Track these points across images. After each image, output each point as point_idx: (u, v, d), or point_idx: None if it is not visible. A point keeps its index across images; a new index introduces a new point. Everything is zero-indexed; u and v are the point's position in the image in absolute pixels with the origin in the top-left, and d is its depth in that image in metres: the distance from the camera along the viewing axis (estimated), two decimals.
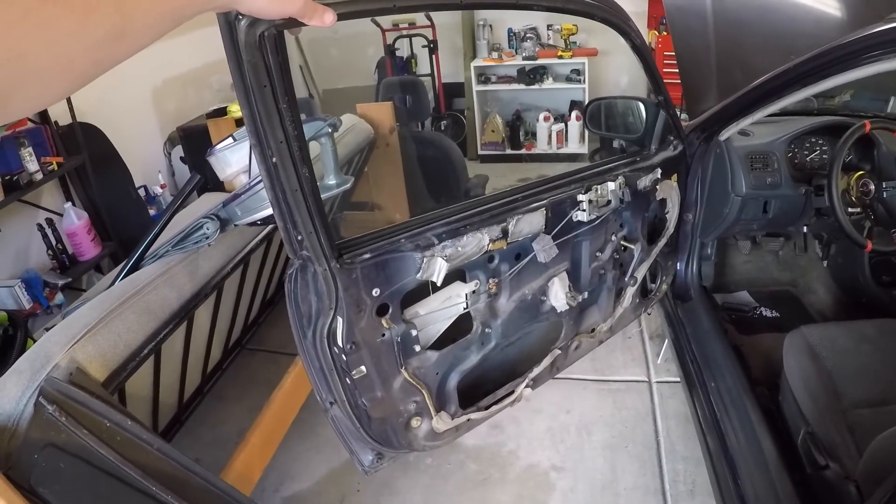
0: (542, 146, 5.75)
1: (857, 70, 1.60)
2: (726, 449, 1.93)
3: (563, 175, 1.71)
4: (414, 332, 1.41)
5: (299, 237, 1.16)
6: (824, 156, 2.44)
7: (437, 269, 1.32)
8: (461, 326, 1.55)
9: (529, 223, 1.54)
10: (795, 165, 2.40)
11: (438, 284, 1.35)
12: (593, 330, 2.03)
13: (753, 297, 2.83)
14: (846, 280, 2.86)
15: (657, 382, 2.83)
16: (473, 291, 1.50)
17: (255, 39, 0.93)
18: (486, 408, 1.72)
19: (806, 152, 2.44)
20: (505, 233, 1.48)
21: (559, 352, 1.89)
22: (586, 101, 5.09)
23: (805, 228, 2.62)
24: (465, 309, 1.51)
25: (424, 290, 1.41)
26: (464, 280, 1.49)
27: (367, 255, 1.25)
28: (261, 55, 0.95)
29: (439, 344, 1.52)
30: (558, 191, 1.65)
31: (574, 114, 5.59)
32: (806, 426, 1.84)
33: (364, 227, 1.34)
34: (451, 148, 3.47)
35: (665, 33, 5.15)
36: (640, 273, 2.09)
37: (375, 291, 1.29)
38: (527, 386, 1.79)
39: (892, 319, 2.13)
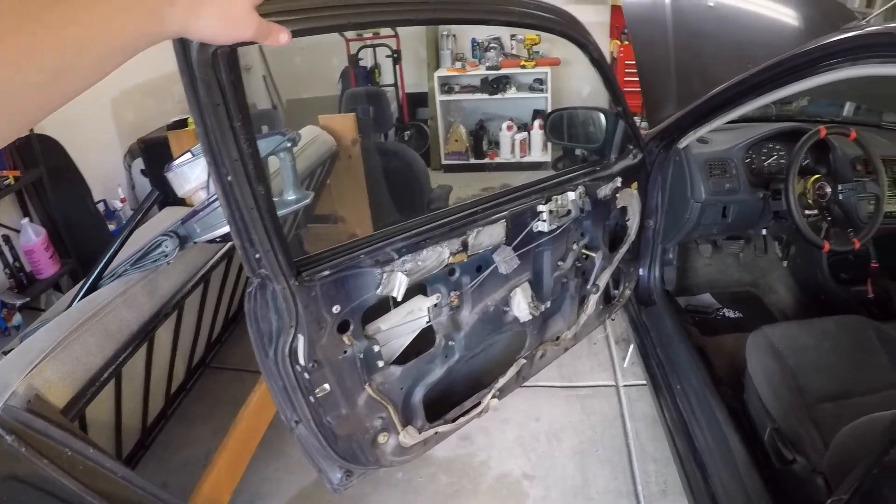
0: (505, 155, 5.82)
1: (814, 78, 1.64)
2: (695, 449, 1.97)
3: (524, 186, 1.73)
4: (376, 348, 1.41)
5: (257, 255, 1.15)
6: (781, 161, 2.51)
7: (397, 285, 1.32)
8: (424, 340, 1.55)
9: (490, 235, 1.56)
10: (753, 171, 2.46)
11: (399, 299, 1.36)
12: (558, 338, 2.05)
13: (716, 298, 2.89)
14: (806, 279, 2.93)
15: (624, 386, 2.86)
16: (435, 305, 1.51)
17: (207, 57, 0.92)
18: (454, 420, 1.73)
19: (763, 158, 2.50)
20: (465, 245, 1.49)
21: (524, 361, 1.90)
22: (549, 110, 5.16)
23: (764, 231, 2.68)
24: (427, 323, 1.52)
25: (386, 305, 1.42)
26: (425, 294, 1.50)
27: (326, 272, 1.25)
28: (214, 73, 0.95)
29: (403, 358, 1.53)
30: (518, 202, 1.66)
31: (537, 122, 5.66)
32: (771, 423, 1.89)
33: (328, 240, 1.34)
34: (414, 159, 3.48)
35: (627, 43, 5.24)
36: (603, 280, 2.12)
37: (336, 308, 1.28)
38: (493, 396, 1.80)
39: (850, 315, 2.20)
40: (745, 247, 3.04)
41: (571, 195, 1.80)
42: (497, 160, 5.85)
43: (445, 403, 1.74)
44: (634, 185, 2.16)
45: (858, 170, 2.44)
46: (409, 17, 1.21)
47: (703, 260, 3.00)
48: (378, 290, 1.32)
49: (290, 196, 1.73)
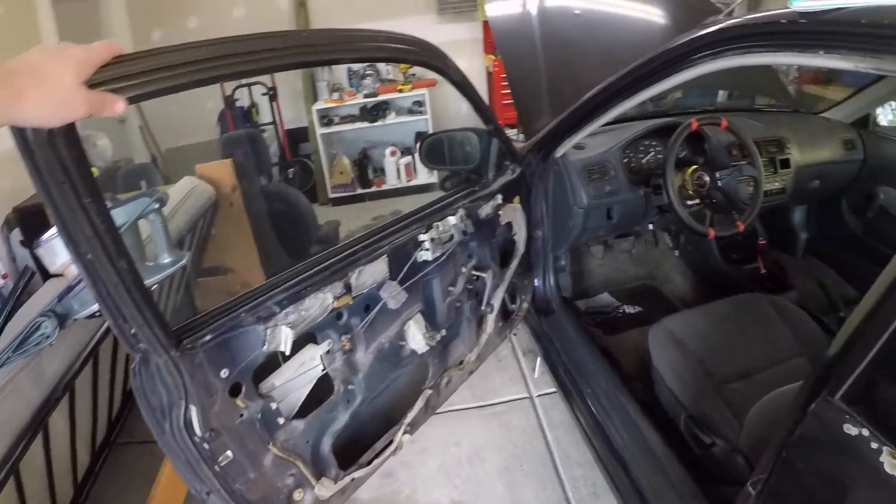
0: (391, 181, 5.89)
1: (680, 75, 1.70)
2: (614, 449, 2.04)
3: (402, 217, 1.77)
4: (274, 405, 1.41)
5: (132, 331, 1.13)
6: (659, 156, 2.63)
7: (283, 339, 1.32)
8: (324, 388, 1.56)
9: (373, 273, 1.59)
10: (632, 170, 2.57)
11: (287, 353, 1.36)
12: (461, 362, 2.10)
13: (614, 296, 3.03)
14: (698, 264, 3.11)
15: (538, 396, 2.95)
16: (328, 352, 1.53)
17: (44, 138, 0.90)
18: (368, 463, 1.74)
19: (641, 156, 2.62)
20: (348, 288, 1.51)
21: (431, 391, 1.94)
22: (430, 132, 5.25)
23: (651, 226, 2.82)
24: (323, 371, 1.53)
25: (277, 360, 1.41)
26: (316, 342, 1.52)
27: (208, 337, 1.24)
28: (53, 153, 0.93)
29: (304, 411, 1.53)
30: (398, 234, 1.70)
31: (420, 145, 5.73)
32: (685, 411, 1.99)
33: (220, 293, 1.32)
34: (298, 198, 3.48)
35: (500, 57, 5.43)
36: (497, 298, 2.18)
37: (224, 372, 1.28)
38: (404, 433, 1.82)
39: (746, 294, 2.35)
40: (636, 242, 3.19)
41: (452, 220, 1.85)
42: (384, 187, 5.91)
43: (357, 447, 1.75)
44: (516, 199, 2.23)
45: (734, 155, 2.59)
46: (250, 67, 1.21)
47: (596, 261, 3.13)
48: (265, 348, 1.33)
49: (165, 259, 1.70)
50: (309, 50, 1.34)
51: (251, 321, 1.30)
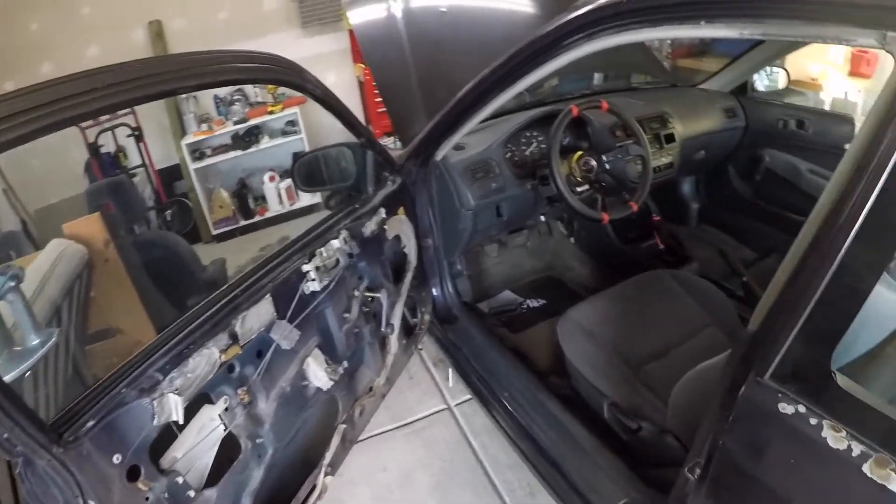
0: (274, 208, 5.74)
1: (554, 61, 1.70)
2: (542, 449, 2.04)
3: (281, 250, 1.72)
4: (180, 480, 1.34)
5: (4, 435, 1.04)
6: (542, 146, 2.66)
7: (173, 408, 1.26)
8: (231, 448, 1.49)
9: (258, 316, 1.54)
10: (516, 163, 2.58)
11: (180, 422, 1.29)
12: (371, 389, 2.07)
13: (516, 293, 3.07)
14: (595, 249, 3.19)
15: (457, 405, 2.95)
16: (226, 409, 1.47)
17: None
18: None
19: (523, 148, 2.63)
20: (234, 337, 1.46)
21: (345, 426, 1.90)
22: (307, 150, 5.14)
23: (543, 217, 2.85)
24: (225, 430, 1.46)
25: (173, 430, 1.34)
26: (211, 402, 1.45)
27: (90, 423, 1.16)
28: None
29: (215, 477, 1.46)
30: (280, 269, 1.65)
31: (293, 168, 5.62)
32: (606, 399, 2.01)
33: (114, 354, 1.23)
34: (177, 242, 3.33)
35: None
36: (397, 316, 2.17)
37: (117, 458, 1.19)
38: (326, 475, 1.78)
39: (648, 272, 2.41)
40: (530, 235, 3.25)
41: (335, 243, 1.83)
42: (268, 215, 5.75)
43: (281, 500, 1.69)
44: (401, 210, 2.23)
45: (618, 135, 2.65)
46: (72, 115, 1.12)
47: (492, 260, 3.17)
48: (155, 421, 1.26)
49: (33, 342, 1.58)
50: (144, 82, 1.25)
51: (134, 396, 1.22)
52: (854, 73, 4.33)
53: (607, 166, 2.45)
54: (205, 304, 1.44)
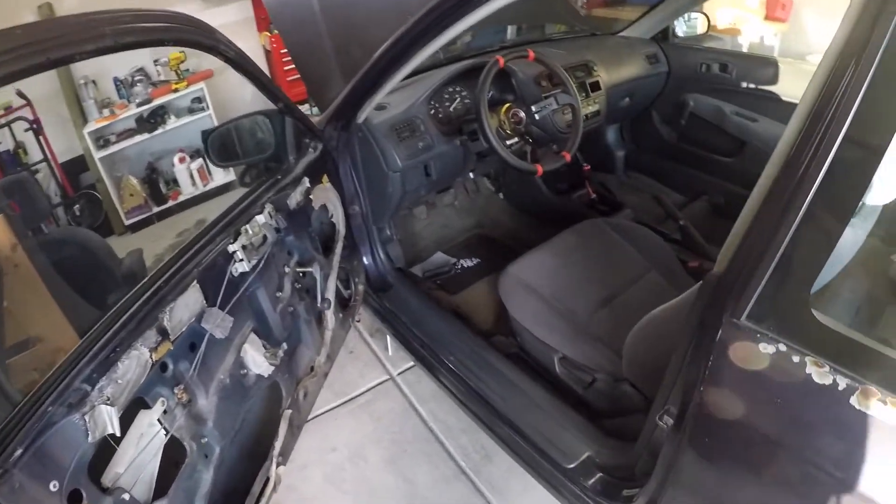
0: (187, 190, 5.43)
1: (475, 13, 1.66)
2: (496, 410, 2.00)
3: (203, 232, 1.60)
4: (126, 497, 1.21)
5: None
6: (466, 101, 2.58)
7: (107, 420, 1.13)
8: (176, 453, 1.38)
9: (186, 306, 1.41)
10: (441, 121, 2.50)
11: (117, 434, 1.17)
12: (312, 369, 1.99)
13: (448, 254, 3.01)
14: (527, 203, 3.17)
15: (399, 374, 2.89)
16: (164, 412, 1.34)
17: None
18: None
19: (447, 104, 2.55)
20: (164, 333, 1.33)
21: (290, 411, 1.81)
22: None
23: (471, 174, 2.79)
24: (167, 435, 1.34)
25: (111, 444, 1.21)
26: (147, 406, 1.31)
27: (18, 452, 1.02)
28: None
29: (163, 487, 1.34)
30: (204, 252, 1.53)
31: (205, 144, 5.36)
32: (556, 354, 2.00)
33: (35, 366, 1.09)
34: (88, 237, 3.09)
35: (277, 32, 5.16)
36: (331, 290, 2.09)
37: (54, 485, 1.06)
38: (278, 465, 1.69)
39: (584, 222, 2.40)
40: (457, 194, 3.18)
41: (261, 219, 1.72)
42: (181, 198, 5.45)
43: (234, 499, 1.59)
44: (325, 178, 2.12)
45: (544, 86, 2.59)
46: None
47: (421, 223, 3.10)
48: (90, 438, 1.12)
49: None
50: (30, 50, 1.07)
51: (62, 413, 1.08)
52: (769, 17, 4.45)
53: (536, 117, 2.40)
54: (127, 301, 1.30)
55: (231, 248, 1.59)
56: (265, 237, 1.71)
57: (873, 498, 0.96)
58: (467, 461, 2.45)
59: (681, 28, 3.31)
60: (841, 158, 0.95)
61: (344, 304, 2.32)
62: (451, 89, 2.57)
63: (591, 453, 1.76)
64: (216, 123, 5.19)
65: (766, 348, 1.02)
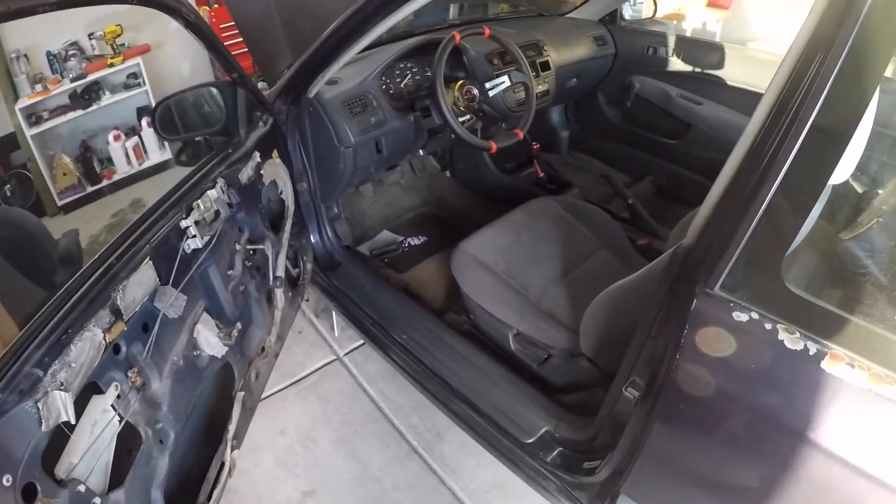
0: (123, 169, 5.14)
1: None
2: (451, 388, 1.98)
3: (155, 206, 1.51)
4: (82, 488, 1.12)
5: None
6: (416, 77, 2.54)
7: (61, 406, 1.05)
8: (131, 439, 1.30)
9: (140, 284, 1.33)
10: (393, 96, 2.44)
11: (72, 421, 1.08)
12: (263, 349, 1.92)
13: (395, 232, 2.95)
14: (474, 181, 3.13)
15: (346, 354, 2.83)
16: (118, 397, 1.25)
17: None
18: (209, 498, 1.52)
19: (398, 80, 2.50)
20: (117, 312, 1.25)
21: (243, 393, 1.74)
22: (153, 104, 4.67)
23: (422, 151, 2.75)
24: (121, 421, 1.26)
25: (64, 433, 1.13)
26: (101, 391, 1.23)
27: None
28: None
29: (119, 476, 1.26)
30: (156, 228, 1.44)
31: (144, 121, 5.10)
32: (511, 330, 1.98)
33: None
34: (23, 218, 2.90)
35: (216, 6, 5.02)
36: (281, 268, 2.01)
37: (7, 480, 0.97)
38: (232, 449, 1.62)
39: (534, 200, 2.38)
40: (404, 172, 3.13)
41: (213, 193, 1.64)
42: (116, 178, 5.17)
43: (190, 485, 1.53)
44: (275, 153, 2.04)
45: (495, 63, 2.58)
46: None
47: (367, 201, 3.03)
48: (44, 427, 1.04)
49: None
50: None
51: (14, 401, 0.99)
52: (712, 4, 4.54)
53: (490, 94, 2.38)
54: (78, 279, 1.21)
55: (184, 223, 1.51)
56: (217, 212, 1.63)
57: (845, 458, 1.00)
58: (419, 440, 2.42)
59: (627, 12, 3.33)
60: (812, 137, 0.99)
61: (292, 283, 2.25)
62: (402, 65, 2.52)
63: (550, 428, 1.75)
64: (153, 100, 4.98)
65: (740, 317, 1.05)
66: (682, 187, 3.02)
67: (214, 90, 1.89)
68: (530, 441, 1.76)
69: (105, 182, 5.08)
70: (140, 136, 5.08)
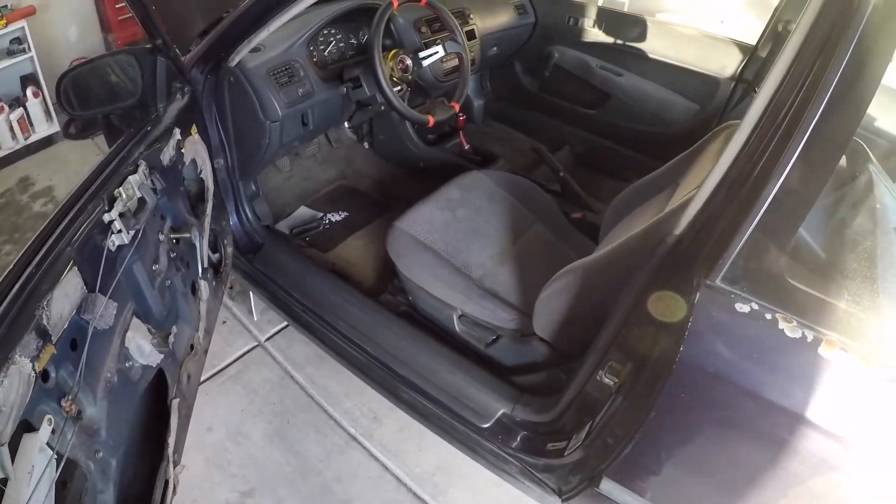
0: (7, 144, 4.40)
1: None
2: (398, 374, 1.86)
3: (72, 200, 1.26)
4: None
5: None
6: (341, 45, 2.36)
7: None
8: (73, 475, 1.08)
9: (66, 296, 1.10)
10: (317, 65, 2.25)
11: (9, 476, 0.86)
12: (192, 347, 1.70)
13: (313, 208, 2.72)
14: (396, 153, 2.95)
15: (268, 340, 2.62)
16: (53, 432, 1.02)
17: None
18: None
19: (322, 48, 2.30)
20: (44, 334, 1.02)
21: (178, 399, 1.53)
22: (40, 73, 4.10)
23: (347, 124, 2.57)
24: (61, 459, 1.03)
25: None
26: (32, 429, 0.99)
27: None
28: None
29: None
30: (76, 226, 1.20)
31: (30, 91, 4.44)
32: (455, 311, 1.86)
33: None
34: None
35: None
36: (204, 256, 1.79)
37: None
38: (175, 465, 1.42)
39: (464, 174, 2.24)
40: (320, 144, 2.92)
41: (136, 179, 1.40)
42: (0, 154, 4.54)
43: None
44: (194, 129, 1.80)
45: (423, 32, 2.43)
46: None
47: (283, 176, 2.79)
48: None
49: None
50: None
51: None
52: None
53: (423, 64, 2.24)
54: None
55: (107, 217, 1.27)
56: (142, 201, 1.40)
57: (843, 436, 1.04)
58: (356, 427, 2.27)
59: None
60: (820, 126, 1.00)
61: (215, 270, 2.02)
62: (325, 32, 2.31)
63: (506, 410, 1.68)
64: (39, 67, 4.37)
65: (742, 308, 1.05)
66: (601, 157, 2.99)
67: (132, 58, 1.63)
68: (487, 426, 1.68)
69: None
70: (25, 108, 4.42)
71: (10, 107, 4.36)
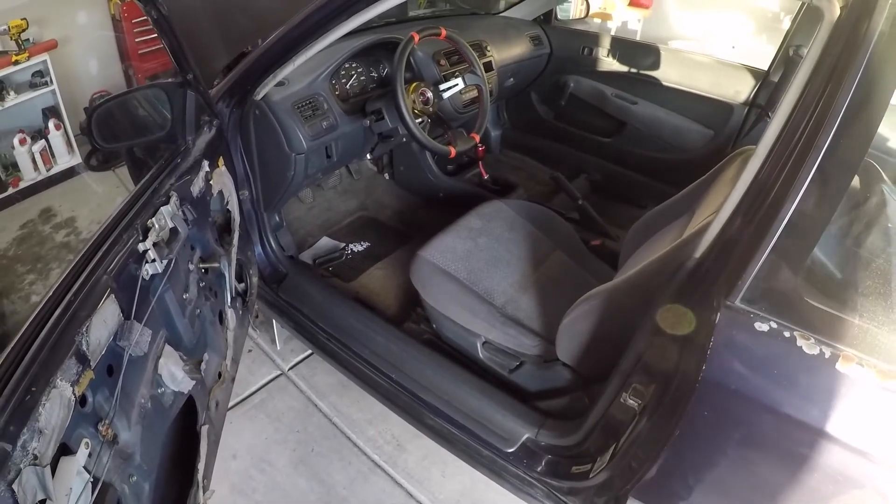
0: (30, 175, 4.52)
1: None
2: (424, 402, 1.87)
3: (108, 229, 1.29)
4: None
5: None
6: (362, 79, 2.41)
7: (37, 484, 0.85)
8: (108, 499, 1.09)
9: (104, 323, 1.12)
10: (340, 98, 2.30)
11: (52, 498, 0.88)
12: (220, 375, 1.72)
13: (335, 238, 2.76)
14: (416, 183, 2.99)
15: (292, 368, 2.63)
16: (90, 456, 1.04)
17: None
18: None
19: (344, 81, 2.36)
20: (83, 360, 1.04)
21: (207, 426, 1.55)
22: (62, 106, 4.18)
23: (369, 156, 2.62)
24: (97, 484, 1.05)
25: None
26: (70, 452, 1.01)
27: None
28: None
29: None
30: (112, 254, 1.23)
31: (52, 123, 4.54)
32: (479, 339, 1.88)
33: None
34: None
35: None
36: (232, 285, 1.82)
37: None
38: (204, 491, 1.43)
39: (485, 204, 2.26)
40: (341, 175, 2.97)
41: (168, 209, 1.43)
42: (23, 185, 4.57)
43: None
44: (221, 160, 1.84)
45: (442, 64, 2.48)
46: None
47: (305, 206, 2.83)
48: None
49: None
50: None
51: None
52: (634, 3, 4.55)
53: (444, 96, 2.28)
54: (34, 322, 1.01)
55: (142, 246, 1.30)
56: (173, 231, 1.43)
57: (863, 449, 1.04)
58: (380, 454, 2.27)
59: (562, 12, 3.30)
60: (832, 149, 1.03)
61: (242, 300, 2.05)
62: (346, 66, 2.36)
63: (531, 435, 1.69)
64: (60, 99, 4.45)
65: (761, 326, 1.06)
66: (618, 184, 3.01)
67: (162, 92, 1.67)
68: (512, 450, 1.69)
69: (11, 190, 4.50)
70: (47, 140, 4.51)
71: (32, 139, 4.46)
